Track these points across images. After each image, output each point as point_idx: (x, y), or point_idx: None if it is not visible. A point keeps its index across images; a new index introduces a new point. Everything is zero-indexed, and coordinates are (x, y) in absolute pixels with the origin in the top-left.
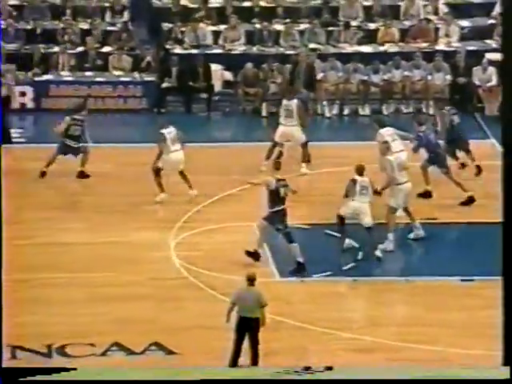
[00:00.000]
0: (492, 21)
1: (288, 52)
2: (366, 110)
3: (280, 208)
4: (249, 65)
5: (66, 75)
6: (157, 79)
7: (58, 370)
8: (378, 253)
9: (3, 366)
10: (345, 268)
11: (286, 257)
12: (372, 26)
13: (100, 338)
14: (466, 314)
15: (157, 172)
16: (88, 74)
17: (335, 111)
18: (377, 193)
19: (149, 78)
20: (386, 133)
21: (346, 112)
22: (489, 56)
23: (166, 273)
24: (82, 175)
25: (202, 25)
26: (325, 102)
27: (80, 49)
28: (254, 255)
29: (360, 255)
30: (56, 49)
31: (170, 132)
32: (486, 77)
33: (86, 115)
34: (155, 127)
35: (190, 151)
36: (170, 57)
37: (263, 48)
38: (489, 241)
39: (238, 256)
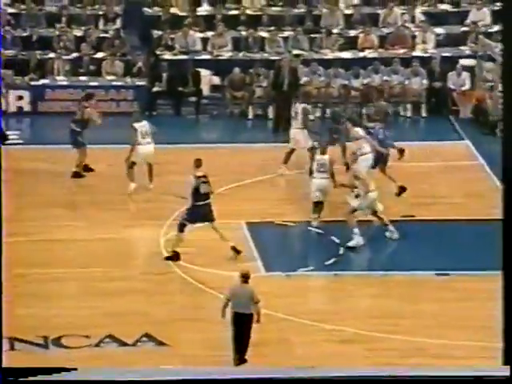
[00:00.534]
0: (465, 28)
1: (273, 58)
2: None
3: (201, 203)
4: (236, 70)
5: (61, 80)
6: (148, 83)
7: (58, 370)
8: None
9: (3, 365)
10: (327, 263)
11: (272, 252)
12: (352, 33)
13: (94, 330)
14: (441, 306)
15: (130, 165)
16: (82, 78)
17: (318, 114)
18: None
19: (140, 83)
20: (359, 133)
21: (327, 115)
22: (462, 62)
23: (157, 268)
24: (78, 174)
25: (191, 31)
26: (308, 106)
27: (74, 55)
28: (173, 257)
29: (341, 251)
30: (52, 55)
31: (142, 126)
32: (460, 81)
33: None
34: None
35: (179, 152)
36: (160, 62)
37: (249, 54)
38: (464, 237)
39: (225, 252)
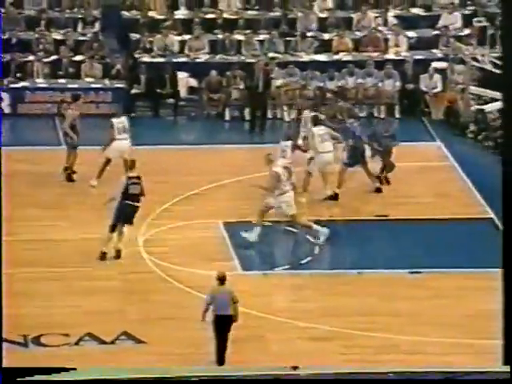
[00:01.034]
0: (437, 32)
1: (249, 60)
2: (322, 115)
3: (129, 203)
4: (213, 72)
5: (40, 82)
6: (126, 86)
7: (58, 370)
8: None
9: (3, 366)
10: (303, 262)
11: (249, 251)
12: (327, 36)
13: (74, 328)
14: (414, 304)
15: (106, 161)
16: (61, 81)
17: (294, 115)
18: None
19: (119, 85)
20: (318, 132)
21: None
22: (434, 64)
23: (136, 267)
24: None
25: (170, 35)
26: (285, 107)
27: (54, 57)
28: (102, 256)
29: (316, 250)
30: (31, 57)
31: (119, 122)
32: (432, 84)
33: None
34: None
35: (157, 153)
36: (139, 65)
37: (226, 56)
38: (436, 236)
39: (202, 251)
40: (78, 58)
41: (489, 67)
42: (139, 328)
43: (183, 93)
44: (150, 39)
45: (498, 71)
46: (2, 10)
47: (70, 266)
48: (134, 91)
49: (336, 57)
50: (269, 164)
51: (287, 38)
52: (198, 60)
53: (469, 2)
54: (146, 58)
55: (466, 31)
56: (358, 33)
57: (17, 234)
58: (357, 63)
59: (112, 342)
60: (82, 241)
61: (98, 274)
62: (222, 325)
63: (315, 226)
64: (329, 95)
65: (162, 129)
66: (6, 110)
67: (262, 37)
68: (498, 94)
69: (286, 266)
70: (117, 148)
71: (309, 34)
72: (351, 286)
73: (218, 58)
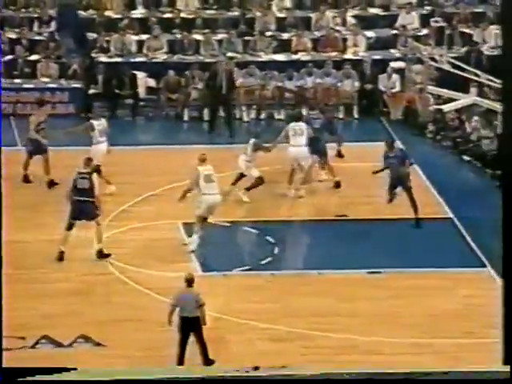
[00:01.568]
0: (395, 32)
1: (208, 60)
2: (281, 115)
3: (81, 199)
4: (171, 72)
5: None
6: (83, 86)
7: (58, 370)
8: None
9: (3, 366)
10: (263, 262)
11: (209, 252)
12: (285, 36)
13: (30, 331)
14: (374, 304)
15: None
16: (17, 80)
17: (253, 115)
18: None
19: (75, 85)
20: (294, 127)
21: (262, 116)
22: (393, 64)
23: (94, 269)
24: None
25: (127, 34)
26: (243, 107)
27: (9, 57)
28: (59, 256)
29: (276, 250)
30: None
31: (99, 124)
32: (391, 84)
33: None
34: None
35: (116, 153)
36: (96, 65)
37: (184, 56)
38: (395, 235)
39: (162, 252)
40: (34, 57)
41: (446, 67)
42: (97, 330)
43: (141, 93)
44: (107, 39)
45: (455, 71)
46: None
47: (27, 268)
48: (91, 91)
49: (295, 56)
50: (200, 163)
51: (246, 38)
52: (156, 60)
53: (426, 2)
54: (104, 58)
55: (424, 31)
56: (316, 33)
57: None
58: (316, 63)
59: (69, 345)
60: (36, 243)
61: (55, 276)
62: (187, 327)
63: (196, 235)
64: (287, 95)
65: (119, 129)
66: None
67: (220, 36)
68: (455, 94)
69: (246, 267)
70: (97, 150)
71: (267, 33)
72: (311, 286)
73: (177, 57)
